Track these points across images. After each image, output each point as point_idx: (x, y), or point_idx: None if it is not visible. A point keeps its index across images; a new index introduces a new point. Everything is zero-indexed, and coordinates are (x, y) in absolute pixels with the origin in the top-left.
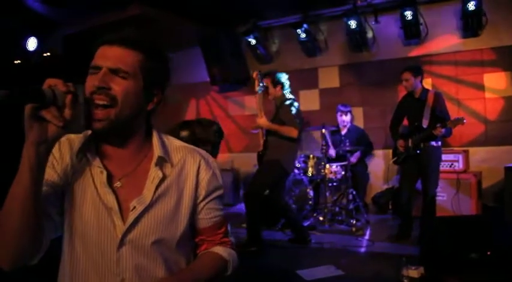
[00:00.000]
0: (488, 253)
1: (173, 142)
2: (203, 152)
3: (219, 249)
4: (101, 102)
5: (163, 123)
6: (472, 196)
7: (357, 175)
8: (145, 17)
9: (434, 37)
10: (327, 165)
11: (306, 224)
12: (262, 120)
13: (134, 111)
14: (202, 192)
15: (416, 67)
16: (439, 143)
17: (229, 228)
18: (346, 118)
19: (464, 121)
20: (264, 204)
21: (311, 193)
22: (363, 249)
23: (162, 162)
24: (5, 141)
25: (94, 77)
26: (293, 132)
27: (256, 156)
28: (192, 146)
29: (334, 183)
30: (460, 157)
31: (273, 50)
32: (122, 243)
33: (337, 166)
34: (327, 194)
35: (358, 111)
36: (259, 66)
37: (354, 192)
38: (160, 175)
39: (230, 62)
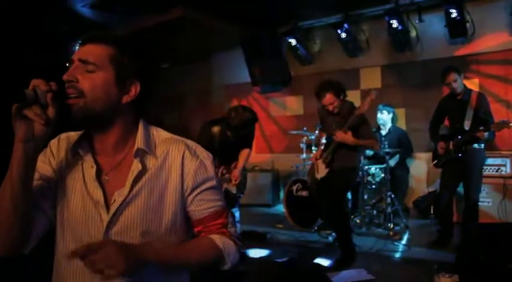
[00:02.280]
0: None
1: (161, 134)
2: (190, 142)
3: (215, 237)
4: (70, 95)
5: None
6: None
7: (397, 178)
8: (187, 19)
9: (482, 35)
10: (366, 168)
11: None
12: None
13: (106, 102)
14: (189, 184)
15: (457, 66)
16: (482, 145)
17: (230, 219)
18: (383, 116)
19: (511, 124)
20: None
21: (349, 195)
22: (398, 254)
23: (143, 154)
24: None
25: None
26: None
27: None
28: (179, 137)
29: (373, 186)
30: (508, 161)
31: (314, 50)
32: (107, 235)
33: (376, 168)
34: (365, 196)
35: (401, 113)
36: (300, 66)
37: (393, 196)
38: (140, 167)
39: (271, 63)
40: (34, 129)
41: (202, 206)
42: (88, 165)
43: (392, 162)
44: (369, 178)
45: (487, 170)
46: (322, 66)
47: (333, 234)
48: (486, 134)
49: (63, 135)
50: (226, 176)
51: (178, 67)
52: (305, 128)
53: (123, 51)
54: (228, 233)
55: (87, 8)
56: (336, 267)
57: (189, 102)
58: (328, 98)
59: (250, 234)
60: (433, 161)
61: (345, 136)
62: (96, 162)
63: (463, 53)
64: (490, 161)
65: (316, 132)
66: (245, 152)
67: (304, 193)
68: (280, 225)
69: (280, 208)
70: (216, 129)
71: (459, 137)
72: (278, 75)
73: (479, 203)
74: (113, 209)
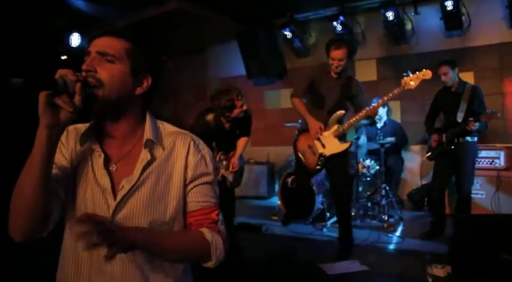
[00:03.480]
0: None
1: (167, 127)
2: (195, 136)
3: (205, 230)
4: (90, 84)
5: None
6: None
7: (392, 170)
8: (182, 12)
9: (478, 28)
10: (360, 160)
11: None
12: None
13: (122, 93)
14: (189, 175)
15: (452, 59)
16: (475, 138)
17: (220, 217)
18: (381, 111)
19: (498, 115)
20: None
21: None
22: (391, 246)
23: (152, 144)
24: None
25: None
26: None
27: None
28: (185, 131)
29: (368, 178)
30: (502, 154)
31: (310, 43)
32: (113, 221)
33: (370, 160)
34: (360, 188)
35: (396, 106)
36: (296, 59)
37: (387, 188)
38: (149, 157)
39: (267, 56)
40: (60, 116)
41: (197, 198)
42: (96, 155)
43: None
44: (364, 170)
45: (480, 163)
46: (317, 59)
47: (328, 225)
48: (477, 124)
49: (70, 127)
50: (224, 162)
51: (174, 60)
52: (300, 120)
53: (138, 45)
54: (218, 229)
55: (82, 1)
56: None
57: (184, 95)
58: (339, 53)
59: (245, 226)
60: (427, 153)
61: (377, 111)
62: (104, 152)
63: (458, 46)
64: (484, 153)
65: None
66: (243, 140)
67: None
68: (276, 217)
69: (276, 200)
70: (210, 116)
71: (452, 129)
72: (273, 68)
73: (473, 196)
74: (120, 195)
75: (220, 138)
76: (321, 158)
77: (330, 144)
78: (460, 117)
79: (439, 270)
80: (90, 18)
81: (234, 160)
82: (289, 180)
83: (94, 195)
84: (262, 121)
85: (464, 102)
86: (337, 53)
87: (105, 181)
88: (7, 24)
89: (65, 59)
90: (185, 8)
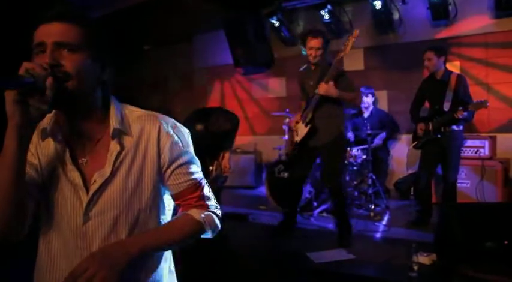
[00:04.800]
0: (506, 242)
1: (134, 112)
2: (164, 116)
3: (193, 212)
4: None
5: (189, 105)
6: (497, 184)
7: (378, 160)
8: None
9: (464, 17)
10: (347, 149)
11: (323, 207)
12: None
13: (88, 83)
14: (166, 160)
15: (440, 47)
16: (461, 127)
17: (206, 192)
18: (367, 99)
19: (487, 104)
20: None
21: None
22: (378, 235)
23: (119, 134)
24: None
25: (42, 56)
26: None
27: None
28: (152, 112)
29: (355, 168)
30: (486, 143)
31: (297, 32)
32: (87, 217)
33: (357, 150)
34: (347, 178)
35: (383, 95)
36: (283, 48)
37: (374, 177)
38: (118, 148)
39: (254, 45)
40: (31, 114)
41: (180, 179)
42: (63, 150)
43: (374, 143)
44: (351, 160)
45: (465, 152)
46: None
47: (315, 214)
48: (465, 113)
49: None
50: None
51: (161, 49)
52: (287, 110)
53: (92, 30)
54: (206, 205)
55: None
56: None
57: (172, 85)
58: (317, 41)
59: (231, 215)
60: (413, 142)
61: (327, 87)
62: (70, 146)
63: (445, 36)
64: (469, 142)
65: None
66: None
67: (286, 174)
68: (263, 207)
69: (263, 190)
70: (199, 127)
71: (438, 118)
72: (261, 57)
73: (459, 185)
74: (92, 189)
75: (208, 148)
76: (295, 146)
77: (300, 131)
78: (446, 106)
79: (424, 258)
80: (75, 4)
81: (225, 162)
82: (277, 169)
83: (65, 192)
84: (249, 110)
85: (450, 91)
86: (314, 42)
87: (76, 176)
88: None
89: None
90: None
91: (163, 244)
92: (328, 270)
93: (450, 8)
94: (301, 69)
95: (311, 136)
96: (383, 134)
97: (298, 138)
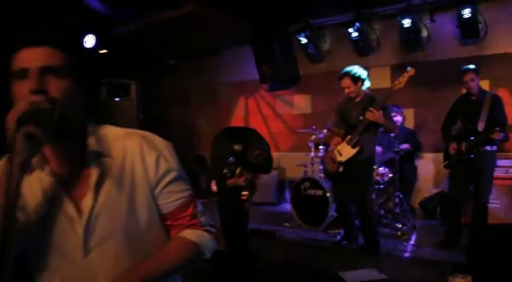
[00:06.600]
0: None
1: (113, 131)
2: (145, 133)
3: (187, 233)
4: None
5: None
6: None
7: (405, 178)
8: (199, 15)
9: (494, 36)
10: (374, 167)
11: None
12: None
13: (71, 108)
14: (153, 178)
15: (476, 68)
16: (495, 147)
17: (199, 208)
18: (398, 119)
19: None
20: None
21: None
22: (407, 254)
23: (97, 157)
24: None
25: (25, 82)
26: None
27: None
28: (132, 130)
29: (381, 186)
30: None
31: (324, 49)
32: (87, 249)
33: (384, 168)
34: (373, 196)
35: (409, 113)
36: (309, 65)
37: (401, 196)
38: (98, 172)
39: (280, 61)
40: (35, 149)
41: (170, 198)
42: (46, 179)
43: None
44: (377, 178)
45: (495, 172)
46: (331, 65)
47: (341, 232)
48: (501, 134)
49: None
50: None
51: (185, 63)
52: (314, 127)
53: (75, 54)
54: (199, 223)
55: (98, 1)
56: (360, 253)
57: (195, 99)
58: (345, 82)
59: (258, 232)
60: (444, 161)
61: (378, 115)
62: (52, 174)
63: (474, 54)
64: (498, 162)
65: (325, 131)
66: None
67: (313, 192)
68: (287, 224)
69: (285, 207)
70: (237, 147)
71: (472, 138)
72: (287, 73)
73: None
74: (83, 220)
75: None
76: (340, 165)
77: (345, 151)
78: (480, 126)
79: (460, 280)
80: (105, 19)
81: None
82: (303, 186)
83: (60, 226)
84: (273, 126)
85: (485, 111)
86: (343, 83)
87: (70, 208)
88: (19, 25)
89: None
90: (201, 12)
91: (163, 272)
92: None
93: (480, 26)
94: (343, 100)
95: (356, 156)
96: (405, 145)
97: (342, 158)
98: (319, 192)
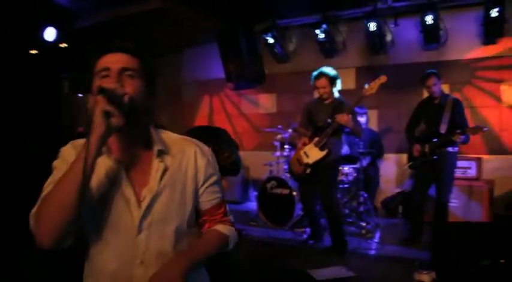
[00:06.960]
0: (502, 261)
1: (170, 135)
2: (197, 141)
3: (221, 227)
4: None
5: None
6: (483, 204)
7: (369, 178)
8: (165, 11)
9: (454, 43)
10: (339, 167)
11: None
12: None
13: (143, 107)
14: (201, 178)
15: (437, 72)
16: (456, 149)
17: (227, 208)
18: (362, 119)
19: (485, 129)
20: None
21: None
22: (372, 252)
23: (162, 154)
24: None
25: (107, 79)
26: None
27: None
28: (187, 137)
29: (346, 185)
30: (473, 164)
31: (290, 49)
32: (139, 229)
33: (349, 168)
34: (338, 195)
35: (373, 114)
36: (275, 64)
37: (366, 195)
38: (163, 166)
39: (246, 60)
40: (111, 126)
41: (210, 197)
42: (118, 167)
43: (363, 163)
44: (342, 177)
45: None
46: (297, 66)
47: (307, 231)
48: (463, 137)
49: (75, 142)
50: None
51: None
52: (280, 126)
53: (145, 62)
54: (229, 220)
55: None
56: (327, 252)
57: (158, 97)
58: (322, 82)
59: None
60: (408, 162)
61: (348, 119)
62: (117, 161)
63: (435, 59)
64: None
65: (290, 130)
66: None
67: (279, 191)
68: (254, 223)
69: (250, 205)
70: (210, 146)
71: (435, 139)
72: (253, 73)
73: None
74: (144, 204)
75: None
76: (307, 167)
77: (313, 153)
78: (442, 128)
79: (424, 276)
80: (67, 13)
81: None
82: (269, 185)
83: (118, 207)
84: (238, 125)
85: (447, 114)
86: (319, 83)
87: (130, 192)
88: None
89: (36, 54)
90: (167, 8)
91: (204, 258)
92: None
93: (441, 33)
94: (311, 101)
95: (324, 158)
96: (368, 159)
97: (310, 160)
98: (286, 191)
